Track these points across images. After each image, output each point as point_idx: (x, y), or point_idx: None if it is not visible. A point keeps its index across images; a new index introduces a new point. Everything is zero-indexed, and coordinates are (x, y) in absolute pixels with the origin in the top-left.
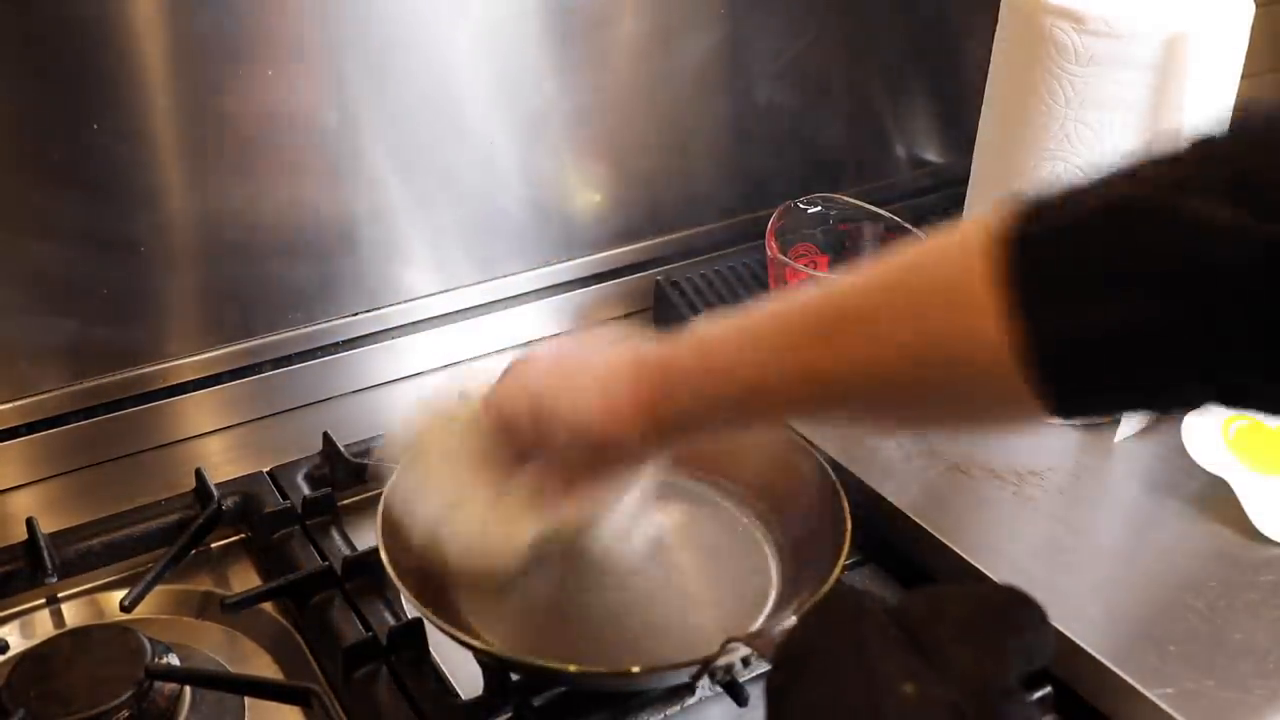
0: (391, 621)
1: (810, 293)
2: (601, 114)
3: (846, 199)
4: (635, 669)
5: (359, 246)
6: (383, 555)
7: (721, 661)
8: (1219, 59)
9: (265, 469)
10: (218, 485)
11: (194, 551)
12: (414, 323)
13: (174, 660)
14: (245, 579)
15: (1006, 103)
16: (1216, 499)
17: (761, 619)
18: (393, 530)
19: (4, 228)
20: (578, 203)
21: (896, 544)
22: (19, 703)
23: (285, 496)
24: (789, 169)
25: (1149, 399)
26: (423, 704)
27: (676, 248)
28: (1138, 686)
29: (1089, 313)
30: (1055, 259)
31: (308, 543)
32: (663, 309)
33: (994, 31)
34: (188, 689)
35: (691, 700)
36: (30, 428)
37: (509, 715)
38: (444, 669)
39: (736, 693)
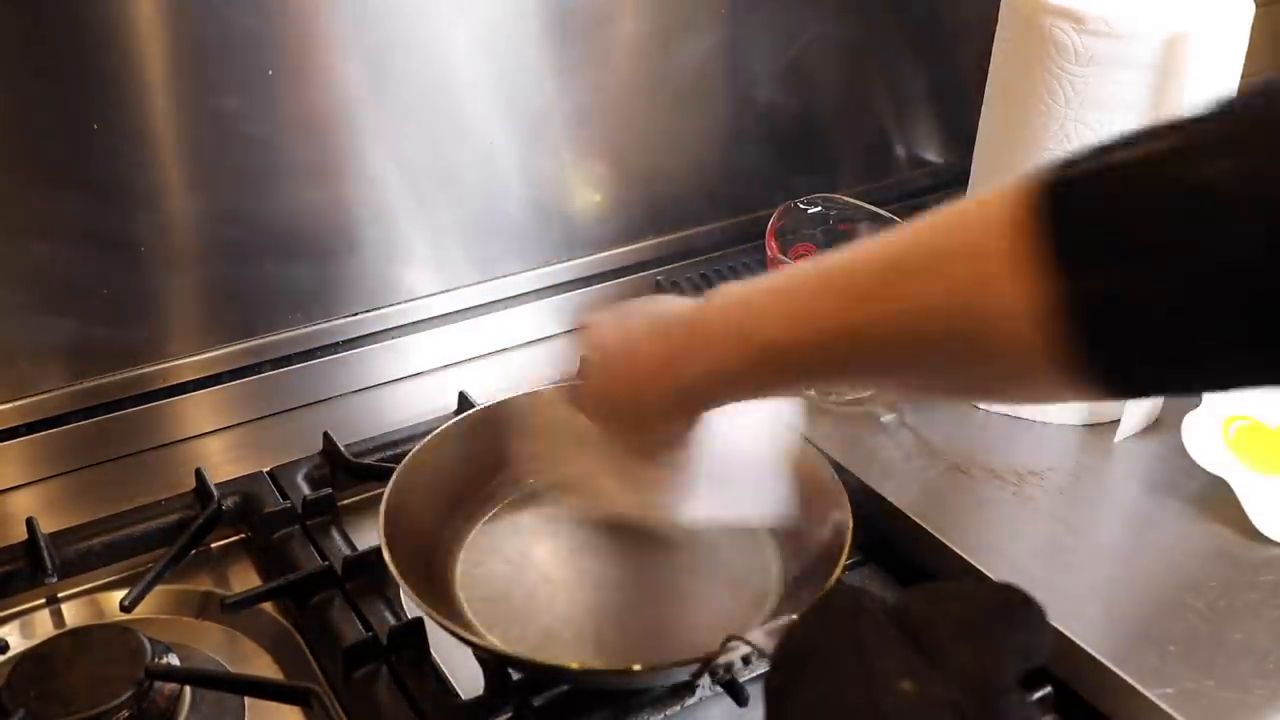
0: (392, 621)
1: (838, 255)
2: (601, 114)
3: (846, 199)
4: (636, 667)
5: (359, 246)
6: (385, 553)
7: (722, 660)
8: (1219, 59)
9: (265, 469)
10: (218, 485)
11: (194, 551)
12: (414, 323)
13: (174, 660)
14: (245, 579)
15: (1006, 103)
16: (1216, 499)
17: (763, 617)
18: (395, 527)
19: (4, 228)
20: (578, 203)
21: (896, 544)
22: (19, 703)
23: (285, 496)
24: (789, 169)
25: (1193, 365)
26: (423, 704)
27: (676, 248)
28: (1138, 686)
29: (1137, 270)
30: (1102, 214)
31: (308, 543)
32: None
33: (994, 31)
34: (188, 689)
35: (691, 700)
36: (30, 428)
37: (509, 715)
38: (444, 669)
39: (736, 692)
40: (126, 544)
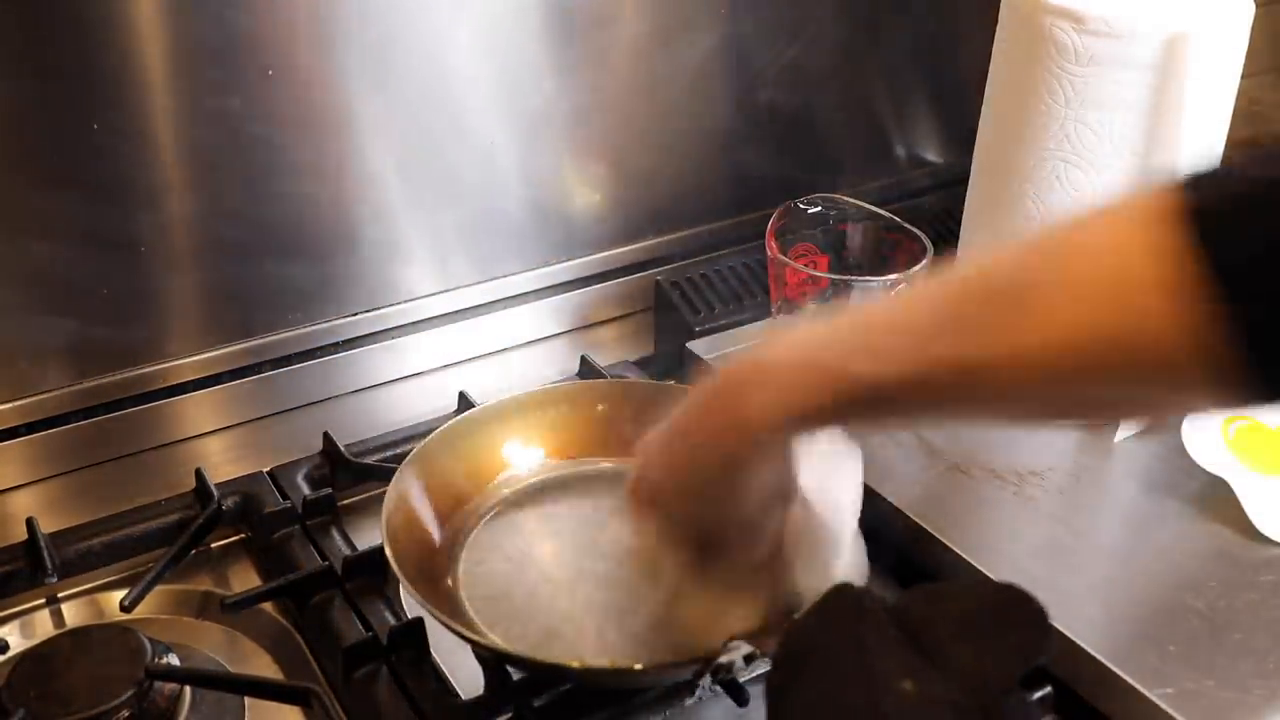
0: (392, 621)
1: (939, 282)
2: (601, 114)
3: (846, 199)
4: (638, 666)
5: (359, 246)
6: (387, 551)
7: (724, 659)
8: (1219, 59)
9: (265, 469)
10: (218, 485)
11: (194, 551)
12: (414, 323)
13: (174, 660)
14: (245, 579)
15: (1006, 103)
16: (1216, 499)
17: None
18: (397, 524)
19: (4, 228)
20: (578, 203)
21: (896, 544)
22: (19, 703)
23: (285, 496)
24: (789, 169)
25: None
26: (423, 704)
27: (676, 248)
28: (1138, 686)
29: None
30: (1248, 236)
31: (308, 543)
32: (663, 309)
33: (994, 31)
34: (188, 689)
35: (692, 700)
36: (30, 428)
37: (509, 715)
38: (444, 669)
39: (736, 692)
40: (126, 544)
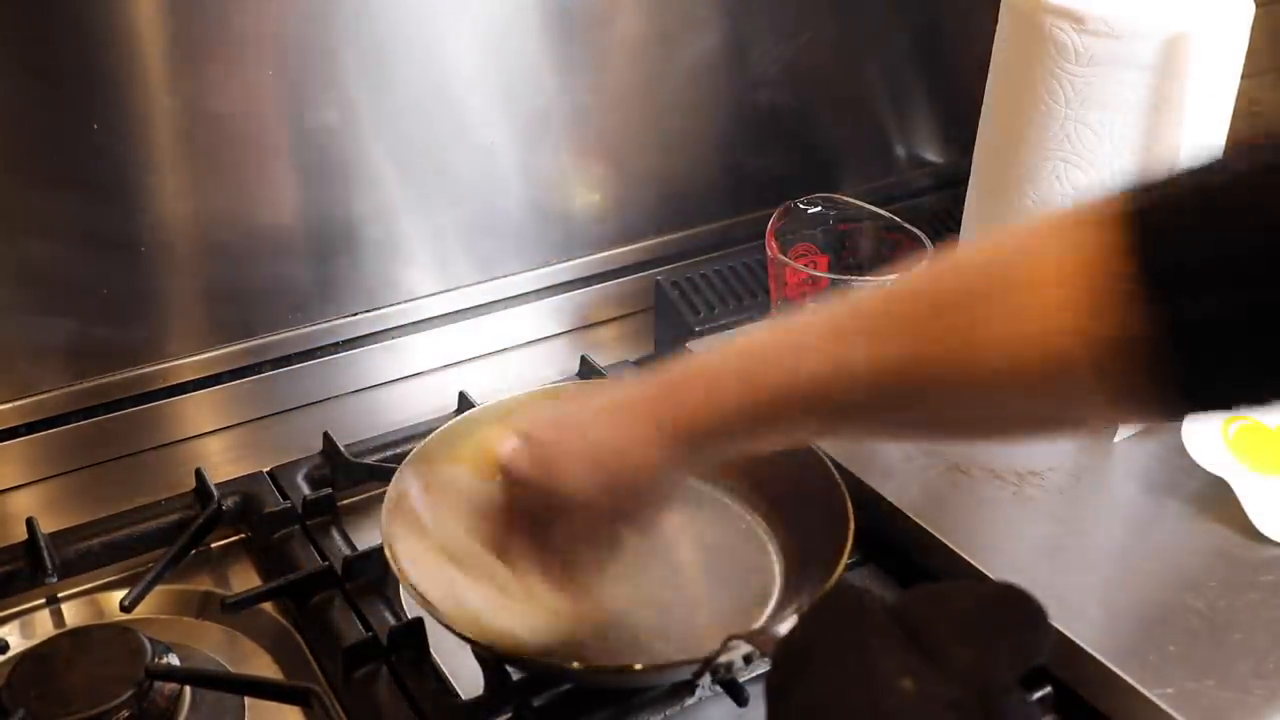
0: (392, 621)
1: (871, 292)
2: (601, 114)
3: (846, 199)
4: (638, 665)
5: (359, 246)
6: (387, 550)
7: (723, 659)
8: (1219, 59)
9: (265, 469)
10: (218, 485)
11: (194, 551)
12: (414, 323)
13: (174, 660)
14: (245, 579)
15: (1006, 103)
16: (1216, 499)
17: (764, 617)
18: (397, 524)
19: (4, 228)
20: (578, 203)
21: (896, 544)
22: (19, 703)
23: (285, 496)
24: (789, 169)
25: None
26: (423, 704)
27: (676, 248)
28: (1138, 686)
29: (1223, 293)
30: (1183, 240)
31: (308, 543)
32: (663, 309)
33: (994, 31)
34: (188, 689)
35: (692, 700)
36: (30, 428)
37: (509, 715)
38: (444, 669)
39: (736, 693)
40: (126, 544)
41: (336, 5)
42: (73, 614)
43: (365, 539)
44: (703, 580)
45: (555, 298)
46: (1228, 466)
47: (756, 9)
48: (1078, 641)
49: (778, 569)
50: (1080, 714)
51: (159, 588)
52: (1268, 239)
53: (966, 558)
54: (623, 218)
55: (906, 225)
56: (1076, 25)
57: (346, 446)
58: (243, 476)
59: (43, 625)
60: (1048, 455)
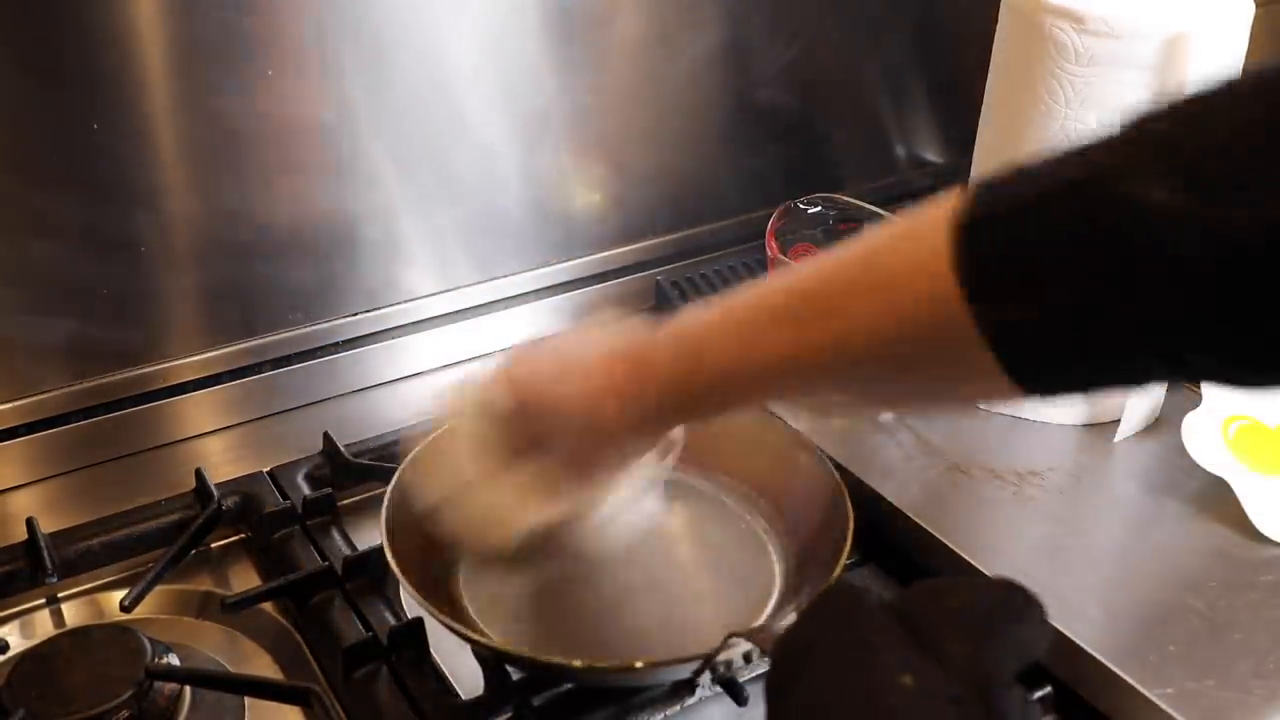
0: (392, 621)
1: (781, 278)
2: (601, 114)
3: (846, 199)
4: (638, 664)
5: (359, 246)
6: (387, 551)
7: (723, 657)
8: (1219, 59)
9: (265, 469)
10: (218, 485)
11: (194, 551)
12: (414, 323)
13: (174, 660)
14: (245, 579)
15: (1006, 103)
16: (1216, 499)
17: (764, 616)
18: (397, 524)
19: (4, 228)
20: (578, 203)
21: (896, 544)
22: (19, 703)
23: (285, 496)
24: (789, 169)
25: (1102, 375)
26: (423, 704)
27: (676, 248)
28: (1138, 686)
29: (1035, 295)
30: (1003, 243)
31: (308, 543)
32: (663, 309)
33: (994, 31)
34: (188, 689)
35: (692, 700)
36: (30, 428)
37: (509, 715)
38: (444, 669)
39: (736, 692)
40: (126, 544)
41: (336, 5)
42: (73, 614)
43: (365, 539)
44: (703, 579)
45: (555, 298)
46: (1228, 466)
47: (756, 9)
48: (1078, 641)
49: (778, 569)
50: (1080, 714)
51: (159, 588)
52: (1069, 249)
53: (966, 558)
54: (623, 217)
55: None
56: (1076, 25)
57: (346, 446)
58: (243, 476)
59: (43, 625)
60: (1048, 455)
